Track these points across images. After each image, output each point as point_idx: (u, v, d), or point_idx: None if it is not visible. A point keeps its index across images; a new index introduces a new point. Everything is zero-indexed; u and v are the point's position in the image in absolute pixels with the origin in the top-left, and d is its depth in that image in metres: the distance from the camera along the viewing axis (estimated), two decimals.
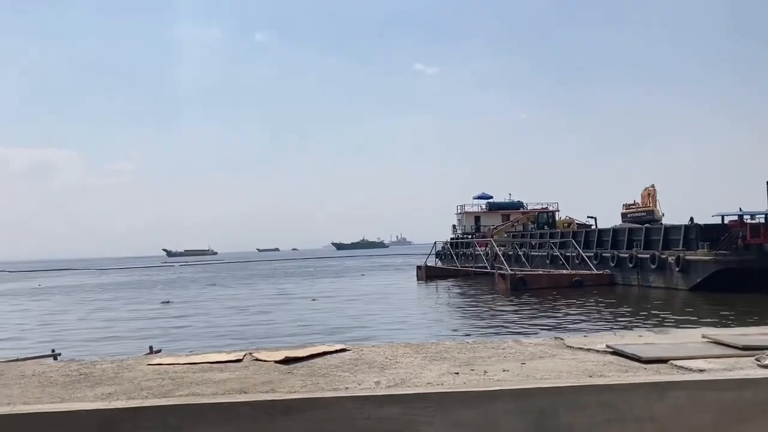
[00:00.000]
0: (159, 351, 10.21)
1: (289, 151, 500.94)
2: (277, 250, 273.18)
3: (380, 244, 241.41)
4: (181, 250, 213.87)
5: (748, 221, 29.52)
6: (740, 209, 30.42)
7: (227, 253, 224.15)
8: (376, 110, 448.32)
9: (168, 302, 35.32)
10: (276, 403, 2.83)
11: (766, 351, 2.79)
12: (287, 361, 3.94)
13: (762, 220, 29.89)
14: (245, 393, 3.08)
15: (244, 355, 4.20)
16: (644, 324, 19.98)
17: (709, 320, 19.84)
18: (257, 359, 4.06)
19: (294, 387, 3.21)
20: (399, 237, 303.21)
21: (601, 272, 34.59)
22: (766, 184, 31.03)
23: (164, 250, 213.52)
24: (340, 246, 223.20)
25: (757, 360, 2.71)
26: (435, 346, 4.47)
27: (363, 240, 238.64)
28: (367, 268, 71.73)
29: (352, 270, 69.91)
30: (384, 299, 33.10)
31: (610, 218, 48.89)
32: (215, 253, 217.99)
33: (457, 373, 3.41)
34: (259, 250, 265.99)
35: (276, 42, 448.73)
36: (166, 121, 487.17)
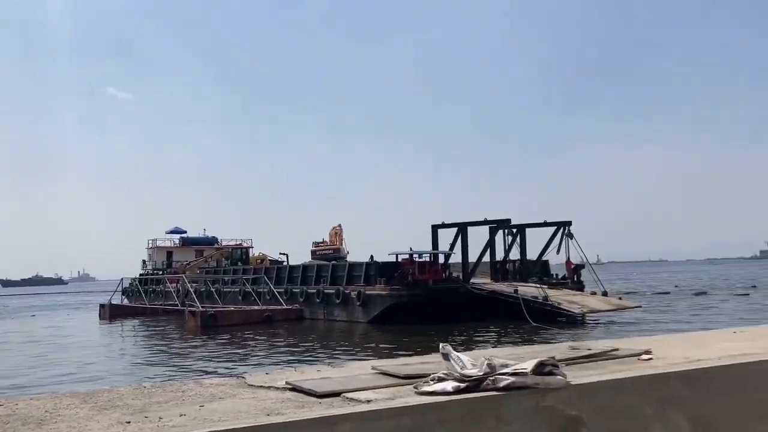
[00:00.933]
0: None
1: None
2: None
3: (58, 281, 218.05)
4: None
5: (417, 260, 33.24)
6: (411, 249, 34.13)
7: None
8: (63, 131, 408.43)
9: None
10: None
11: (423, 378, 3.07)
12: None
13: (427, 259, 33.94)
14: None
15: None
16: (326, 357, 21.01)
17: (383, 350, 21.66)
18: None
19: None
20: (81, 273, 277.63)
21: (291, 307, 35.65)
22: (431, 227, 35.45)
23: None
24: (6, 283, 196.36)
25: (415, 387, 2.97)
26: (107, 394, 4.08)
27: (36, 276, 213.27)
28: (39, 308, 63.80)
29: (21, 310, 61.60)
30: (57, 342, 29.67)
31: (302, 255, 50.98)
32: None
33: (129, 422, 3.14)
34: None
35: None
36: None
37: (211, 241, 61.02)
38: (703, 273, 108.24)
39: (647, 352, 3.94)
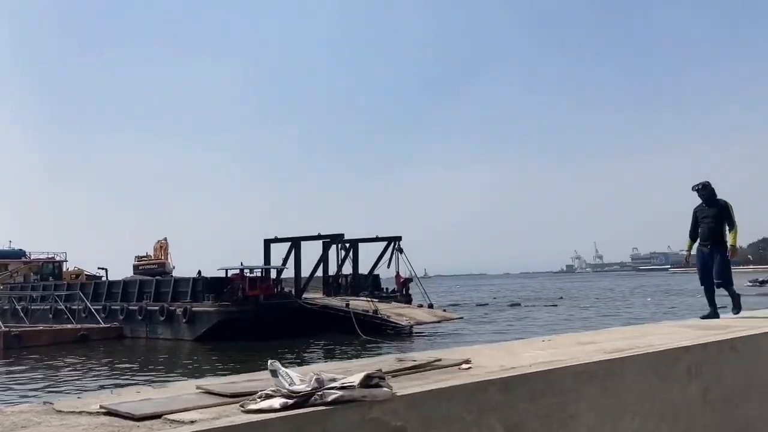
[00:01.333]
0: None
1: None
2: None
3: None
4: None
5: (248, 275, 32.59)
6: (241, 263, 33.42)
7: None
8: None
9: None
10: None
11: (250, 396, 2.99)
12: None
13: (259, 274, 33.40)
14: None
15: None
16: (147, 378, 19.88)
17: (209, 369, 20.93)
18: None
19: None
20: None
21: (109, 325, 33.34)
22: (263, 241, 34.99)
23: None
24: None
25: (242, 406, 2.89)
26: None
27: None
28: None
29: None
30: None
31: (124, 271, 48.05)
32: None
33: None
34: None
35: None
36: None
37: (18, 254, 55.52)
38: (518, 285, 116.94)
39: (467, 362, 4.15)
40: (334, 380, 2.85)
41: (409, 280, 37.10)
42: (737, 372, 5.07)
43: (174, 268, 46.11)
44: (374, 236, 37.70)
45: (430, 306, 33.79)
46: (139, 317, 32.68)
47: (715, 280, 8.27)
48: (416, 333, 29.88)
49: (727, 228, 8.29)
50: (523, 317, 39.38)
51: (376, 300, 32.39)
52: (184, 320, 30.52)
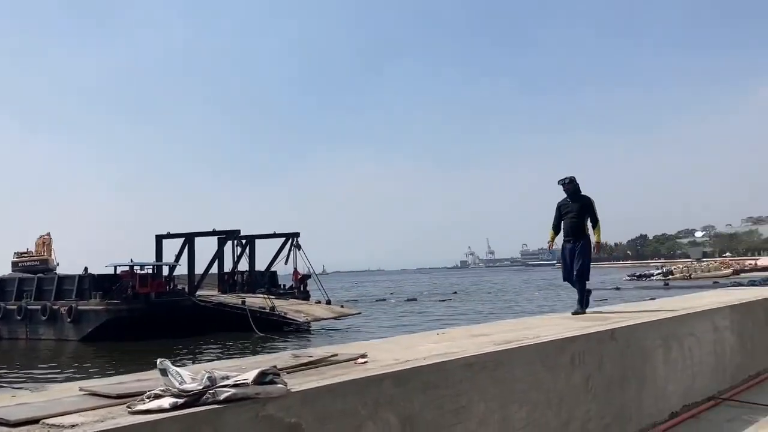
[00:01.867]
0: None
1: None
2: None
3: None
4: None
5: (138, 272, 31.31)
6: (131, 260, 32.06)
7: None
8: None
9: None
10: None
11: (138, 397, 2.88)
12: None
13: (150, 271, 32.16)
14: None
15: None
16: (25, 381, 18.69)
17: (95, 371, 19.94)
18: None
19: None
20: None
21: None
22: (155, 237, 33.71)
23: None
24: None
25: (129, 407, 2.77)
26: None
27: None
28: None
29: None
30: None
31: (1, 268, 44.93)
32: None
33: None
34: None
35: None
36: None
37: None
38: (415, 281, 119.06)
39: (363, 356, 4.18)
40: (226, 378, 2.79)
41: (307, 276, 36.91)
42: (616, 360, 5.40)
43: (58, 265, 43.68)
44: (272, 232, 37.20)
45: (328, 302, 33.76)
46: (18, 317, 30.67)
47: (574, 273, 7.91)
48: (314, 329, 29.80)
49: (590, 224, 8.02)
50: (419, 312, 40.14)
51: (273, 297, 32.04)
52: (68, 320, 28.94)
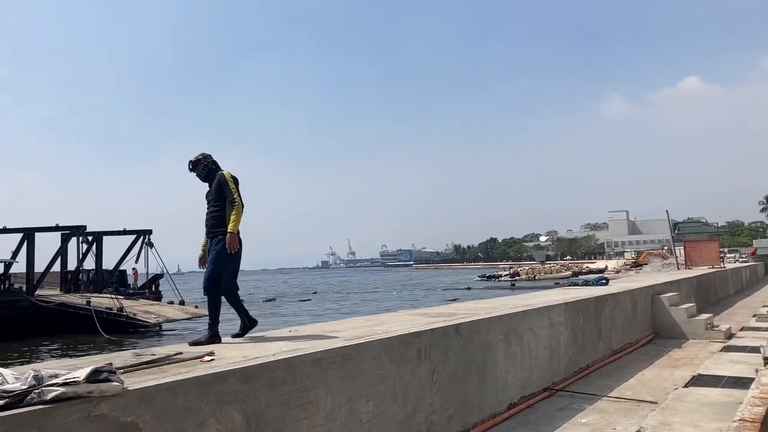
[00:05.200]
0: None
1: None
2: None
3: None
4: None
5: None
6: None
7: None
8: None
9: None
10: None
11: None
12: None
13: None
14: None
15: None
16: None
17: None
18: None
19: None
20: None
21: None
22: None
23: None
24: None
25: None
26: None
27: None
28: None
29: None
30: None
31: None
32: None
33: None
34: None
35: None
36: None
37: None
38: (275, 281, 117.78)
39: (210, 354, 4.09)
40: (55, 376, 2.63)
41: (159, 276, 35.36)
42: (460, 354, 5.67)
43: None
44: (122, 229, 35.25)
45: (182, 303, 32.58)
46: None
47: (203, 282, 5.66)
48: (166, 331, 28.59)
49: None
50: (277, 312, 39.74)
51: (122, 297, 30.40)
52: None
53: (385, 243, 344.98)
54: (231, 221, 5.61)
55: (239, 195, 5.76)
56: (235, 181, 5.82)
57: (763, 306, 16.66)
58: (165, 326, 28.60)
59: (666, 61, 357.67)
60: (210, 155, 6.04)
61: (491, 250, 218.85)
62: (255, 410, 3.49)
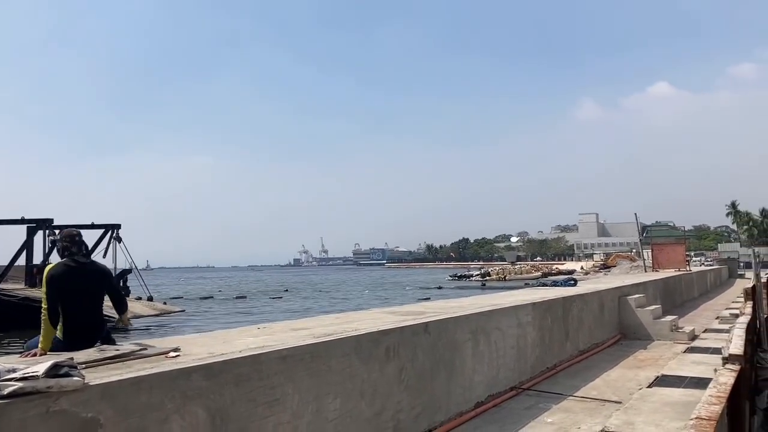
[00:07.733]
0: None
1: None
2: None
3: None
4: None
5: None
6: None
7: None
8: None
9: None
10: None
11: None
12: None
13: None
14: None
15: None
16: None
17: None
18: None
19: None
20: None
21: None
22: None
23: None
24: None
25: None
26: None
27: None
28: None
29: None
30: None
31: None
32: None
33: None
34: None
35: None
36: None
37: None
38: (246, 278, 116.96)
39: (176, 350, 4.04)
40: (13, 371, 2.57)
41: (127, 271, 34.88)
42: (428, 352, 5.68)
43: None
44: (90, 223, 34.68)
45: (150, 299, 32.23)
46: None
47: None
48: (133, 327, 28.22)
49: None
50: (247, 309, 39.48)
51: None
52: None
53: (358, 242, 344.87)
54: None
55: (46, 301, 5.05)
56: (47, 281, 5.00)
57: (726, 309, 17.02)
58: (132, 323, 28.23)
59: (636, 67, 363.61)
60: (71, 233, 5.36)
61: (463, 250, 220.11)
62: (219, 407, 3.45)
